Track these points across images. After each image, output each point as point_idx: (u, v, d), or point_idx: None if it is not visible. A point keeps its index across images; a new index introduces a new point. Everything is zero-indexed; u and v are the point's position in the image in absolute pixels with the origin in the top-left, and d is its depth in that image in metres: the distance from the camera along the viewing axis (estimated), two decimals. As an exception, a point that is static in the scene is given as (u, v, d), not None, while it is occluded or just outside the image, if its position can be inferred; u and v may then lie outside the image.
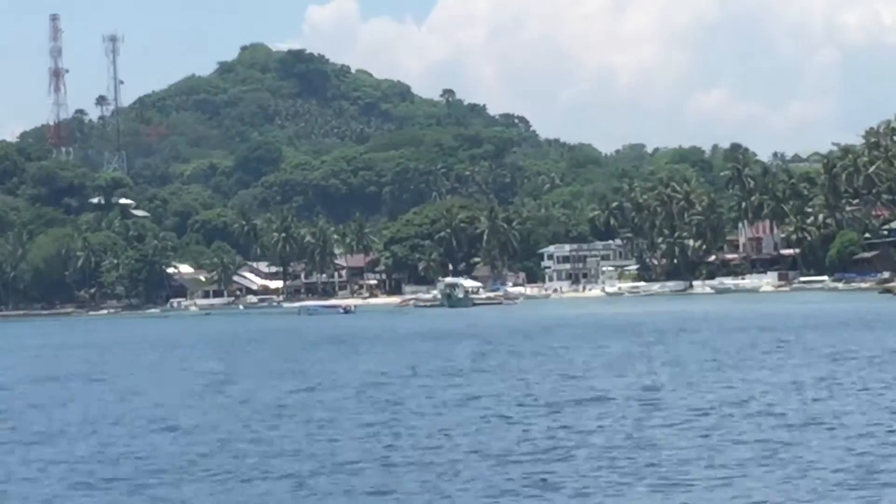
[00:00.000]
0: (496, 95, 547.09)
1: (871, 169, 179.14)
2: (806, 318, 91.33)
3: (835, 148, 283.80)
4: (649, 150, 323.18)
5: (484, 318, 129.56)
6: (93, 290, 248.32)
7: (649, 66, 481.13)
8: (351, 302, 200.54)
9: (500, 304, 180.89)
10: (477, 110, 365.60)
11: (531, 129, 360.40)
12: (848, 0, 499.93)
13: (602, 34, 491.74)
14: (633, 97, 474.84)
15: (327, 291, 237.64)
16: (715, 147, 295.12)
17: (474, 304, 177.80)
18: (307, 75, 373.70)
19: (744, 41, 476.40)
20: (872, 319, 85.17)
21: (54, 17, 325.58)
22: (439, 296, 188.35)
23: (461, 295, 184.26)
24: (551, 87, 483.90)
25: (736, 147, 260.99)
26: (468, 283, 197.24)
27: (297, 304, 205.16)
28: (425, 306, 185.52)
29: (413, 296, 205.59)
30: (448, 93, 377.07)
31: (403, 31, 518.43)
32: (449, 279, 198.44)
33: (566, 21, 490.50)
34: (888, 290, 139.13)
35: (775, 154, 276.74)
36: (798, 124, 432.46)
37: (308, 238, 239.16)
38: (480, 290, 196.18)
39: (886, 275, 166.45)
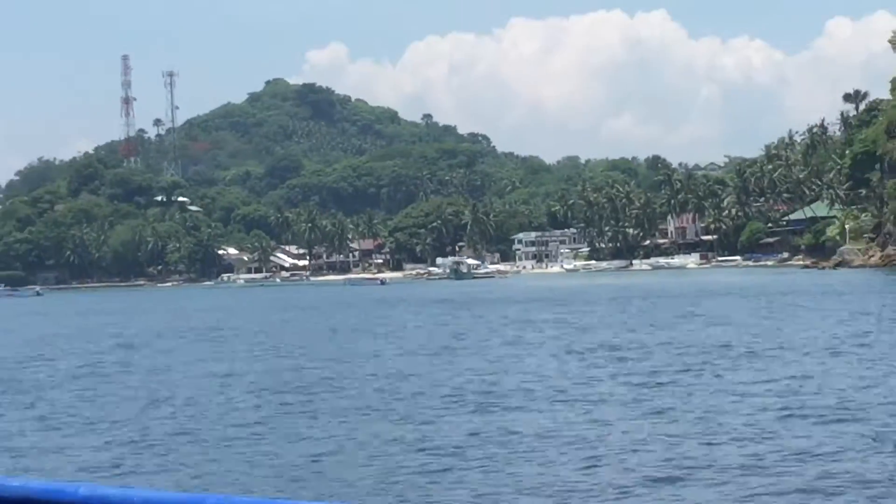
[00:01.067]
0: (455, 119, 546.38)
1: (775, 174, 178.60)
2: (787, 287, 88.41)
3: (727, 160, 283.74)
4: (582, 160, 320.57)
5: (506, 288, 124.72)
6: (159, 268, 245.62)
7: (573, 96, 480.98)
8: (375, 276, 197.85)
9: (494, 277, 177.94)
10: (449, 130, 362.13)
11: (491, 144, 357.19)
12: (725, 47, 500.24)
13: (535, 72, 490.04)
14: (561, 120, 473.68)
15: (343, 268, 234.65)
16: (634, 158, 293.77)
17: (474, 277, 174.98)
18: (317, 103, 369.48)
19: (646, 78, 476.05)
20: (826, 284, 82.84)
21: (125, 57, 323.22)
22: (447, 270, 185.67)
23: (465, 270, 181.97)
24: (497, 113, 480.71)
25: (656, 158, 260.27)
26: (470, 261, 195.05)
27: (342, 277, 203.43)
28: (436, 279, 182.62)
29: (425, 270, 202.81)
30: (427, 117, 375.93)
31: (381, 70, 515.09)
32: (455, 257, 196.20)
33: (508, 61, 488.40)
34: (810, 266, 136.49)
35: (680, 164, 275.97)
36: (688, 142, 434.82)
37: (329, 227, 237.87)
38: (480, 266, 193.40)
39: (786, 255, 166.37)
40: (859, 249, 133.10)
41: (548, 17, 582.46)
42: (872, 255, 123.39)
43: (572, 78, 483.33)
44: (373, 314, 74.35)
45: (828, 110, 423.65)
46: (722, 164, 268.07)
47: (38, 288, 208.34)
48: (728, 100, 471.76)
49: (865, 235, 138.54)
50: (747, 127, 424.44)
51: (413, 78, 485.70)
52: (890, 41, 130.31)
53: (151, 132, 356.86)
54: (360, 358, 39.34)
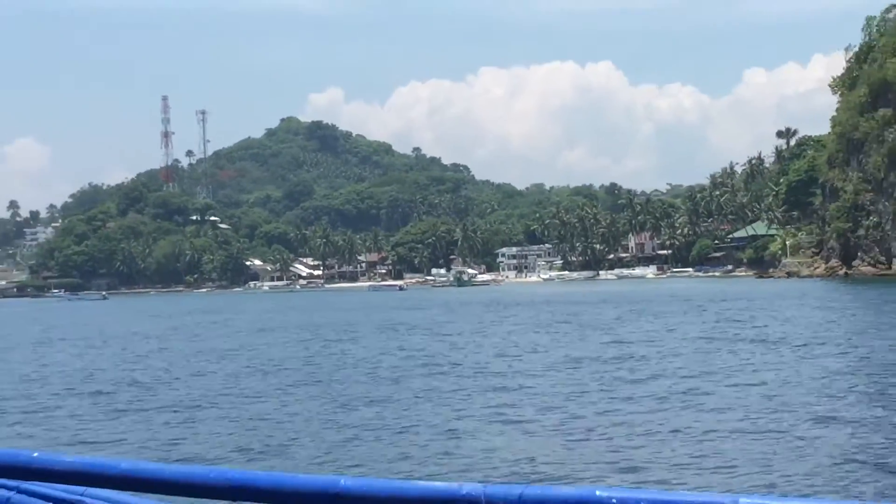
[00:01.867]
0: (437, 152, 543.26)
1: (722, 199, 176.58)
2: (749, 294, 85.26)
3: (670, 187, 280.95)
4: (546, 187, 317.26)
5: (513, 294, 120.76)
6: (195, 276, 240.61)
7: (534, 132, 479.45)
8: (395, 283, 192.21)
9: (489, 285, 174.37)
10: (435, 161, 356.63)
11: (471, 173, 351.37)
12: (660, 92, 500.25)
13: (502, 112, 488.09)
14: (525, 153, 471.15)
15: (352, 278, 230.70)
16: (590, 185, 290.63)
17: (473, 285, 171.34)
18: (324, 138, 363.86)
19: (594, 117, 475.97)
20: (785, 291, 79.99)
21: (165, 98, 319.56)
22: (451, 278, 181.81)
23: (466, 278, 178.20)
24: (471, 146, 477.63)
25: (613, 185, 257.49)
26: (470, 270, 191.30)
27: (366, 284, 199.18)
28: (440, 286, 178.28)
29: (423, 279, 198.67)
30: (416, 149, 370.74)
31: (372, 110, 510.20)
32: (459, 267, 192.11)
33: (479, 103, 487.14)
34: (764, 276, 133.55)
35: (629, 191, 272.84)
36: (630, 172, 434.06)
37: (340, 242, 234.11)
38: (477, 275, 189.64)
39: (730, 267, 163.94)
40: (801, 262, 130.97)
41: (512, 67, 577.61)
42: (818, 267, 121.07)
43: (533, 117, 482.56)
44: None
45: (745, 145, 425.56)
46: (665, 191, 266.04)
47: (104, 292, 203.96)
48: (662, 136, 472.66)
49: (803, 250, 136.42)
50: (679, 159, 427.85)
51: (399, 116, 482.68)
52: (830, 85, 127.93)
53: (184, 161, 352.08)
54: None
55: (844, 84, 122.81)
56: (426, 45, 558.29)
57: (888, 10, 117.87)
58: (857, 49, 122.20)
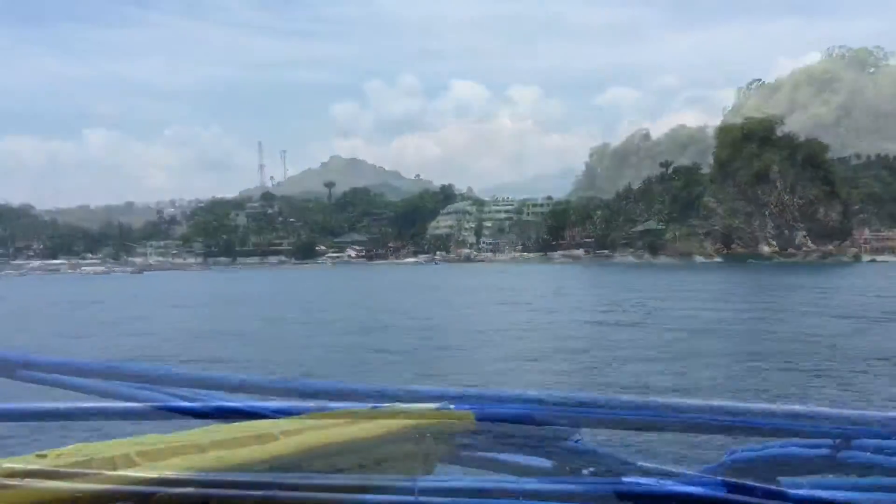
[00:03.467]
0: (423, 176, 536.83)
1: (627, 207, 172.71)
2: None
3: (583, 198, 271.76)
4: (499, 198, 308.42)
5: (509, 268, 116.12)
6: (280, 256, 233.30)
7: (488, 166, 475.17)
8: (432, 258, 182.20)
9: (484, 262, 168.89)
10: (426, 181, 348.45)
11: (454, 190, 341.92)
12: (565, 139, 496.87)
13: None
14: (478, 177, 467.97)
15: (384, 257, 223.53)
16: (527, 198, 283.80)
17: (477, 261, 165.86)
18: (356, 167, 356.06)
19: (525, 153, 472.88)
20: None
21: (259, 143, 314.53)
22: (461, 257, 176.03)
23: (471, 257, 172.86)
24: (442, 175, 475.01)
25: (549, 197, 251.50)
26: (473, 252, 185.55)
27: (399, 262, 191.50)
28: (454, 262, 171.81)
29: (441, 257, 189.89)
30: (417, 176, 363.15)
31: (379, 151, 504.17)
32: (466, 250, 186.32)
33: (449, 148, 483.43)
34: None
35: (567, 200, 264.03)
36: (550, 189, 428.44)
37: (377, 233, 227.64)
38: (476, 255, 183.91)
39: (632, 250, 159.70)
40: (689, 244, 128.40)
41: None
42: (706, 249, 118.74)
43: (487, 157, 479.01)
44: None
45: (635, 174, 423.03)
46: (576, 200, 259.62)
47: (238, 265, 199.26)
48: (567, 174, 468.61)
49: (687, 238, 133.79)
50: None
51: (397, 154, 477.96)
52: (718, 128, 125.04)
53: (269, 183, 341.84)
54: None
55: (723, 131, 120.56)
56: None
57: (752, 84, 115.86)
58: (730, 108, 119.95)
